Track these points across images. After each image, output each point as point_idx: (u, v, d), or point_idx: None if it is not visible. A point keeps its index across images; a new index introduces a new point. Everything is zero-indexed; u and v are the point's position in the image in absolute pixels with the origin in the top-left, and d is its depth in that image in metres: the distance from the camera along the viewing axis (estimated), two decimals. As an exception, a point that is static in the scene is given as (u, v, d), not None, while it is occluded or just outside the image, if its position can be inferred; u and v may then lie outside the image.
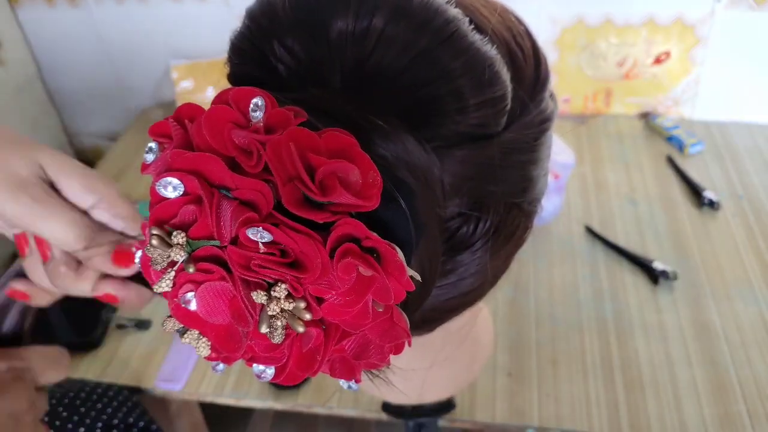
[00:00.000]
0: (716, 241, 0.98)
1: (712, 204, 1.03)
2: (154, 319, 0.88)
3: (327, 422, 1.25)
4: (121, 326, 0.87)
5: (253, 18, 0.30)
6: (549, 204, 0.99)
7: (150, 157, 0.24)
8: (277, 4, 0.29)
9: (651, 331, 0.84)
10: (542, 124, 0.33)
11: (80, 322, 0.88)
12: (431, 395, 0.60)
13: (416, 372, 0.44)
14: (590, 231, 1.00)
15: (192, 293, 0.23)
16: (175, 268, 0.23)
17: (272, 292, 0.22)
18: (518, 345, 0.83)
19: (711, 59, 1.19)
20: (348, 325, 0.23)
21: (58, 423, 0.64)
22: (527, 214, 0.35)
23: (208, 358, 0.25)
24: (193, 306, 0.23)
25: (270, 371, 0.25)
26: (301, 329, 0.22)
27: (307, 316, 0.22)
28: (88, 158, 1.47)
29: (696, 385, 0.78)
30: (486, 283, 0.37)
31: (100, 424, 0.68)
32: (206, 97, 1.24)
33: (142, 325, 0.87)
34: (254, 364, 0.25)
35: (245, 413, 1.31)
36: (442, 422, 0.75)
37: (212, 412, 0.98)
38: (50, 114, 1.40)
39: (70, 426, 0.65)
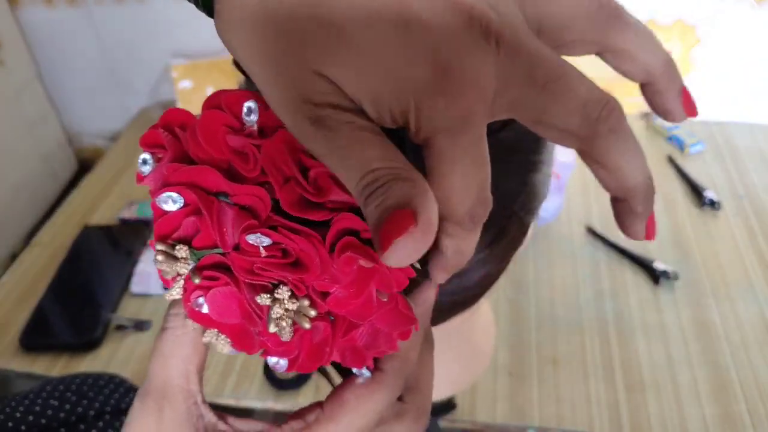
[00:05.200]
0: (717, 241, 0.97)
1: (712, 204, 1.03)
2: (154, 319, 0.88)
3: (327, 422, 1.25)
4: (120, 327, 0.87)
5: None
6: (550, 204, 0.99)
7: (146, 169, 0.24)
8: None
9: (652, 331, 0.84)
10: None
11: (80, 323, 0.87)
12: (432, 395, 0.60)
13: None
14: (591, 231, 0.99)
15: (203, 298, 0.23)
16: (183, 276, 0.23)
17: (275, 294, 0.22)
18: (519, 345, 0.83)
19: (712, 59, 1.19)
20: (354, 316, 0.23)
21: (50, 412, 0.64)
22: (519, 219, 0.35)
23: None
24: (205, 309, 0.24)
25: (284, 362, 0.25)
26: (307, 325, 0.22)
27: (312, 313, 0.23)
28: (88, 158, 1.47)
29: (697, 385, 0.77)
30: (476, 285, 0.37)
31: (108, 408, 0.68)
32: (206, 96, 1.23)
33: (142, 325, 0.87)
34: (268, 357, 0.26)
35: (245, 413, 1.31)
36: (443, 422, 0.74)
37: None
38: (50, 114, 1.40)
39: (62, 415, 0.65)
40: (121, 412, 0.69)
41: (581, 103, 0.19)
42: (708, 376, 0.78)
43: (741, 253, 0.95)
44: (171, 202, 0.22)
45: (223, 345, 0.25)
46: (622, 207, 0.21)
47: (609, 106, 0.19)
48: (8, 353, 0.84)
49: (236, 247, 0.22)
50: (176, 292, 0.24)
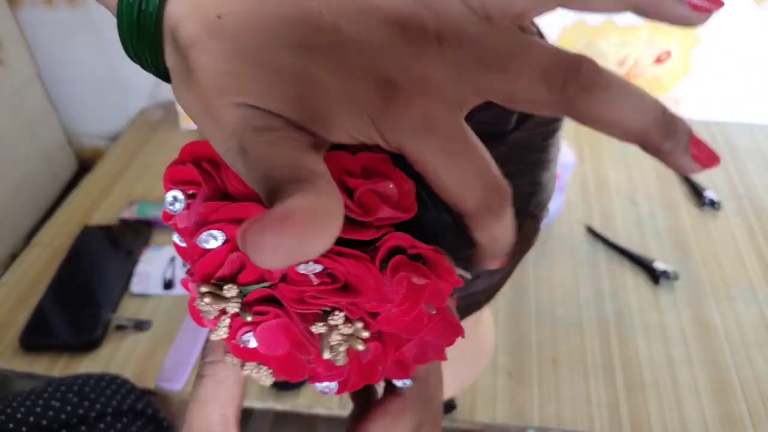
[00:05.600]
0: (717, 241, 0.97)
1: (713, 204, 1.03)
2: (154, 319, 0.88)
3: (327, 423, 1.25)
4: (120, 327, 0.87)
5: None
6: (550, 204, 0.99)
7: (176, 207, 0.23)
8: None
9: (652, 331, 0.84)
10: (552, 124, 0.33)
11: (80, 323, 0.87)
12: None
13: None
14: (591, 231, 0.99)
15: (250, 333, 0.23)
16: (228, 314, 0.23)
17: (330, 321, 0.22)
18: (519, 345, 0.83)
19: (712, 59, 1.19)
20: (404, 332, 0.23)
21: (51, 413, 0.64)
22: (534, 217, 0.35)
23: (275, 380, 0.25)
24: (252, 344, 0.23)
25: (333, 386, 0.25)
26: (361, 348, 0.22)
27: (366, 335, 0.22)
28: (88, 158, 1.47)
29: (697, 385, 0.77)
30: (491, 287, 0.37)
31: (110, 409, 0.68)
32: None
33: (142, 325, 0.87)
34: (316, 383, 0.25)
35: (245, 413, 1.30)
36: (443, 422, 0.74)
37: (212, 413, 0.98)
38: (49, 114, 1.40)
39: (63, 416, 0.64)
40: (122, 413, 0.69)
41: (542, 72, 0.18)
42: (708, 376, 0.78)
43: (741, 253, 0.95)
44: (213, 240, 0.22)
45: (265, 378, 0.24)
46: (651, 151, 0.19)
47: (574, 66, 0.18)
48: (8, 353, 0.84)
49: (282, 278, 0.22)
50: (223, 332, 0.23)
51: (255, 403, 0.80)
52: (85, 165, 1.46)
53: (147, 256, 0.96)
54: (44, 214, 1.30)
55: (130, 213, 1.06)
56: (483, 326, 0.59)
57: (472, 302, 0.39)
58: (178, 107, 1.25)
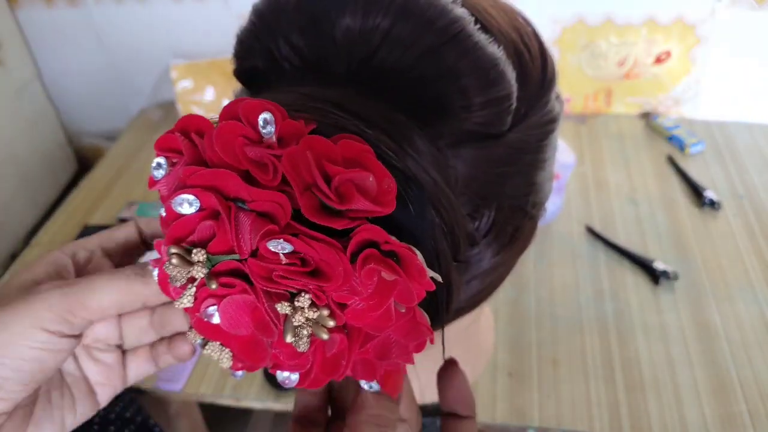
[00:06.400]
0: (717, 241, 0.97)
1: (712, 204, 1.03)
2: (154, 319, 0.88)
3: (327, 423, 1.24)
4: (120, 326, 0.87)
5: (259, 14, 0.30)
6: (549, 204, 0.98)
7: (159, 173, 0.23)
8: (284, 1, 0.29)
9: (652, 332, 0.84)
10: (548, 125, 0.33)
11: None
12: (433, 395, 0.60)
13: (419, 372, 0.44)
14: (591, 231, 0.99)
15: (214, 307, 0.23)
16: (195, 283, 0.23)
17: (296, 302, 0.22)
18: (519, 345, 0.83)
19: (712, 59, 1.19)
20: (371, 328, 0.23)
21: None
22: (531, 217, 0.35)
23: (232, 368, 0.25)
24: (215, 319, 0.23)
25: (294, 377, 0.25)
26: (325, 336, 0.22)
27: (331, 324, 0.22)
28: (88, 158, 1.47)
29: (697, 385, 0.77)
30: (490, 285, 0.37)
31: (96, 418, 0.68)
32: (205, 96, 1.23)
33: (142, 325, 0.87)
34: (278, 371, 0.25)
35: (245, 414, 1.31)
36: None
37: (212, 413, 0.98)
38: (49, 114, 1.40)
39: None
40: (109, 422, 0.69)
41: None
42: (708, 376, 0.78)
43: (741, 253, 0.95)
44: (187, 205, 0.22)
45: (225, 359, 0.24)
46: None
47: None
48: (8, 353, 0.84)
49: (253, 254, 0.22)
50: (187, 300, 0.23)
51: (255, 403, 0.80)
52: (85, 165, 1.46)
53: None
54: (44, 214, 1.30)
55: (130, 213, 1.06)
56: (482, 326, 0.59)
57: (478, 299, 0.39)
58: (179, 107, 1.25)
